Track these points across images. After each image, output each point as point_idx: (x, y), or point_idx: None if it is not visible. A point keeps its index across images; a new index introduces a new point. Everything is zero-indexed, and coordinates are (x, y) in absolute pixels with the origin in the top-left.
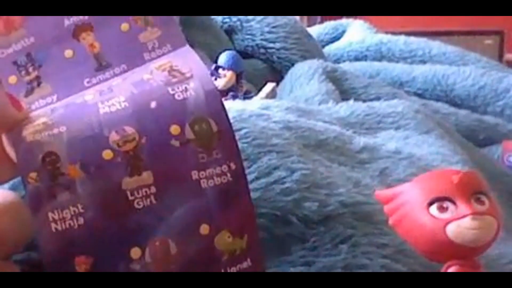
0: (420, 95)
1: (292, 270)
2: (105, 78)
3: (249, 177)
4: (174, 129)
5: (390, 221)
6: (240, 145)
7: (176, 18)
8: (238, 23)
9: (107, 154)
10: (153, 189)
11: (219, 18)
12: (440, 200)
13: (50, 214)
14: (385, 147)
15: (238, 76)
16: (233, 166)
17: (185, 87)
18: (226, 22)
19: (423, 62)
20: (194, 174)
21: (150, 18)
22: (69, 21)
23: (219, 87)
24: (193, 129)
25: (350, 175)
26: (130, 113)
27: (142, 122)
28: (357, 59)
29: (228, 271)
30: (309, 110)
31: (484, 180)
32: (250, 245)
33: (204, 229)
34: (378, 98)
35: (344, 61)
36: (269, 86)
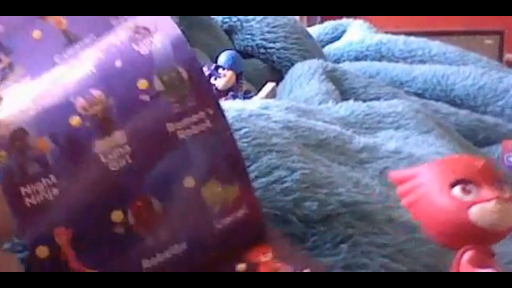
0: (420, 95)
1: None
2: (75, 51)
3: (250, 177)
4: (142, 83)
5: (404, 202)
6: (240, 144)
7: (176, 18)
8: (238, 23)
9: (74, 121)
10: (127, 148)
11: (219, 18)
12: (463, 182)
13: (22, 189)
14: (385, 147)
15: (238, 76)
16: (210, 111)
17: (150, 41)
18: (226, 22)
19: (423, 62)
20: (170, 127)
21: None
22: None
23: (219, 87)
24: (162, 80)
25: (350, 174)
26: (97, 77)
27: (109, 83)
28: (357, 59)
29: (223, 222)
30: (309, 109)
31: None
32: (243, 191)
33: (189, 182)
34: (378, 98)
35: (344, 61)
36: (269, 85)
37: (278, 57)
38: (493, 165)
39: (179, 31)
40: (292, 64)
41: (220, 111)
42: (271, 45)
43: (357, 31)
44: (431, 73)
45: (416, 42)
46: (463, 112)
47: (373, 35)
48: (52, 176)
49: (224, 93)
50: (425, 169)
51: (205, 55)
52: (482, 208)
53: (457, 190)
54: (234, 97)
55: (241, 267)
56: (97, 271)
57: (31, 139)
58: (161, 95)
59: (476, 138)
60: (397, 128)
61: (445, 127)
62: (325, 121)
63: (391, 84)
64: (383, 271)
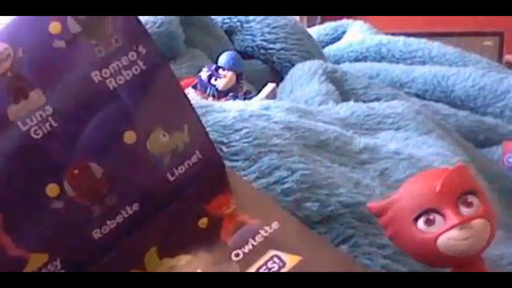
0: (420, 96)
1: None
2: None
3: (250, 177)
4: (54, 27)
5: (387, 234)
6: (240, 145)
7: (177, 19)
8: (238, 23)
9: None
10: (48, 110)
11: (219, 19)
12: (425, 213)
13: None
14: (385, 148)
15: (238, 77)
16: (142, 49)
17: None
18: (226, 23)
19: (423, 63)
20: (96, 76)
21: None
22: None
23: (220, 88)
24: (77, 19)
25: (350, 175)
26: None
27: (14, 32)
28: (357, 60)
29: (176, 172)
30: (310, 110)
31: (472, 172)
32: (194, 136)
33: (129, 136)
34: (378, 99)
35: (344, 61)
36: (269, 86)
37: (278, 58)
38: (458, 174)
39: None
40: (293, 65)
41: (154, 47)
42: (271, 46)
43: (357, 32)
44: (431, 74)
45: (416, 43)
46: (463, 113)
47: (373, 36)
48: None
49: (225, 93)
50: (396, 199)
51: (205, 56)
52: (448, 238)
53: (421, 223)
54: (235, 97)
55: (202, 222)
56: (46, 253)
57: None
58: (78, 38)
59: (477, 139)
60: (397, 129)
61: (445, 128)
62: (325, 122)
63: (391, 85)
64: (384, 272)
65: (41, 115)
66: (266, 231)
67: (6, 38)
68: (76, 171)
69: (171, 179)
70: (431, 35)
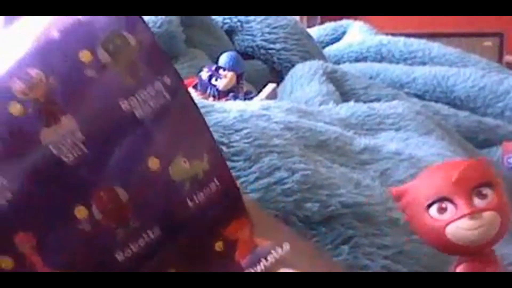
0: (420, 97)
1: None
2: (10, 21)
3: (250, 178)
4: (85, 55)
5: (404, 218)
6: (241, 145)
7: (177, 19)
8: (239, 24)
9: (14, 108)
10: (79, 135)
11: (219, 19)
12: (439, 201)
13: None
14: (386, 148)
15: (239, 77)
16: (167, 80)
17: None
18: (226, 23)
19: (423, 63)
20: (123, 104)
21: None
22: None
23: (220, 88)
24: (107, 50)
25: (351, 176)
26: (32, 52)
27: (47, 59)
28: (357, 60)
29: (195, 198)
30: (310, 111)
31: (491, 167)
32: (213, 164)
33: (153, 163)
34: (378, 99)
35: (344, 62)
36: (270, 86)
37: (279, 58)
38: (476, 167)
39: None
40: (293, 65)
41: (179, 79)
42: (271, 46)
43: (357, 33)
44: (431, 74)
45: (416, 43)
46: (463, 114)
47: (373, 36)
48: (1, 178)
49: (225, 94)
50: (412, 186)
51: (206, 56)
52: (456, 227)
53: (433, 210)
54: (235, 97)
55: (219, 245)
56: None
57: None
58: (108, 67)
59: (477, 140)
60: (397, 129)
61: (445, 128)
62: (325, 122)
63: (391, 85)
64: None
65: (72, 140)
66: (278, 252)
67: (38, 64)
68: (103, 195)
69: (191, 205)
70: (431, 36)
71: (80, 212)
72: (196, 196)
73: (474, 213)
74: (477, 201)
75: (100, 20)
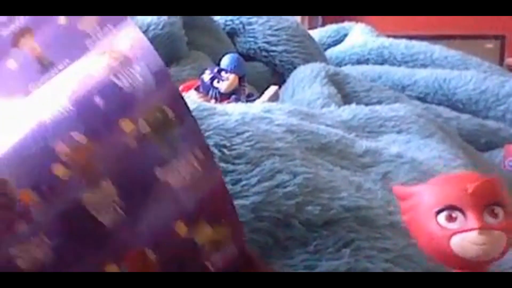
0: (421, 99)
1: None
2: (49, 77)
3: (252, 181)
4: (126, 125)
5: (403, 218)
6: (242, 148)
7: (179, 21)
8: (241, 25)
9: (58, 170)
10: (116, 199)
11: (221, 21)
12: (449, 209)
13: (11, 250)
14: (387, 151)
15: (241, 79)
16: (198, 153)
17: (131, 72)
18: (228, 25)
19: (425, 66)
20: (158, 172)
21: None
22: (7, 31)
23: (222, 90)
24: (147, 120)
25: (352, 179)
26: (75, 116)
27: (90, 125)
28: (359, 62)
29: (214, 262)
30: (312, 113)
31: (504, 188)
32: (233, 231)
33: (180, 227)
34: (380, 102)
35: (346, 64)
36: (272, 89)
37: (280, 60)
38: (492, 185)
39: (160, 61)
40: (295, 67)
41: (208, 151)
42: (273, 48)
43: (359, 35)
44: (433, 77)
45: (418, 46)
46: (464, 117)
47: (375, 38)
48: (42, 235)
49: (227, 96)
50: (422, 189)
51: (208, 58)
52: (463, 239)
53: (442, 217)
54: (237, 100)
55: None
56: None
57: (13, 191)
58: (147, 137)
59: (478, 143)
60: (399, 132)
61: (447, 131)
62: (327, 125)
63: (393, 88)
64: None
65: (110, 203)
66: None
67: (82, 129)
68: (133, 255)
69: (210, 268)
70: (433, 38)
71: (111, 269)
72: (215, 260)
73: (484, 229)
74: (488, 218)
75: (140, 91)
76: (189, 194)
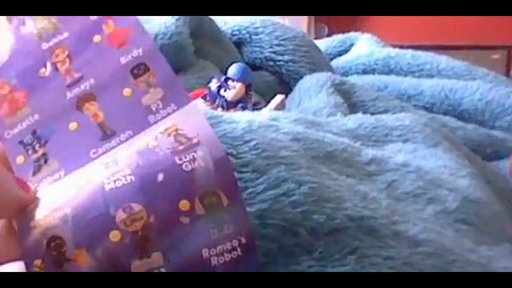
0: (428, 109)
1: None
2: (111, 146)
3: (258, 189)
4: (184, 204)
5: None
6: (249, 156)
7: (187, 30)
8: (247, 35)
9: (114, 236)
10: (162, 271)
11: (228, 31)
12: None
13: None
14: (393, 160)
15: (247, 88)
16: (243, 240)
17: (193, 156)
18: (235, 35)
19: (431, 76)
20: (205, 252)
21: (152, 79)
22: (71, 93)
23: (229, 99)
24: (203, 203)
25: (357, 188)
26: (137, 188)
27: (150, 198)
28: (365, 72)
29: None
30: (318, 121)
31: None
32: None
33: None
34: (386, 111)
35: (352, 74)
36: (278, 97)
37: (287, 70)
38: None
39: (223, 149)
40: (301, 77)
41: (252, 239)
42: (279, 57)
43: (365, 45)
44: (439, 87)
45: (424, 56)
46: (470, 127)
47: (381, 49)
48: None
49: (234, 104)
50: None
51: (214, 67)
52: None
53: None
54: (244, 108)
55: None
56: None
57: (69, 250)
58: (200, 219)
59: (484, 153)
60: (405, 141)
61: (453, 141)
62: (333, 133)
63: (399, 98)
64: None
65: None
66: None
67: (141, 201)
68: None
69: None
70: (439, 48)
71: None
72: None
73: None
74: None
75: (200, 174)
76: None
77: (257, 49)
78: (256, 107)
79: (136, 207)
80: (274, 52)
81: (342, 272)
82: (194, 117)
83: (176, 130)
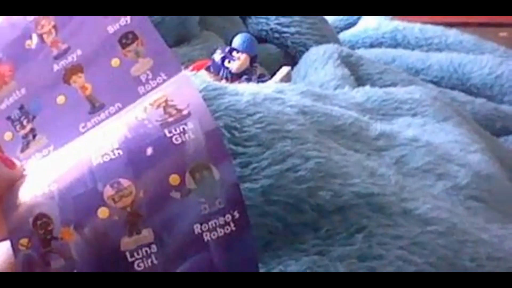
0: (436, 83)
1: (305, 259)
2: (100, 119)
3: (263, 164)
4: (174, 179)
5: None
6: (253, 130)
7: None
8: None
9: (102, 212)
10: (153, 248)
11: None
12: None
13: None
14: (402, 135)
15: (252, 59)
16: (236, 215)
17: (183, 129)
18: None
19: (439, 50)
20: (197, 228)
21: (140, 49)
22: (58, 66)
23: (233, 70)
24: (194, 177)
25: (365, 163)
26: (125, 162)
27: (139, 173)
28: (372, 45)
29: None
30: (325, 94)
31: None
32: None
33: None
34: (394, 85)
35: (359, 47)
36: (284, 69)
37: (293, 42)
38: None
39: (213, 121)
40: (307, 49)
41: (245, 213)
42: (285, 29)
43: (372, 18)
44: (447, 61)
45: (432, 30)
46: (479, 101)
47: (389, 22)
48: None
49: (238, 76)
50: None
51: (219, 38)
52: None
53: None
54: (248, 80)
55: None
56: None
57: (55, 228)
58: (191, 193)
59: (493, 127)
60: (414, 115)
61: (462, 115)
62: (341, 107)
63: (407, 72)
64: (399, 262)
65: (146, 251)
66: None
67: (130, 176)
68: None
69: None
70: (446, 25)
71: None
72: None
73: None
74: None
75: (191, 148)
76: (220, 252)
77: (263, 20)
78: (261, 79)
79: (125, 182)
80: (279, 24)
81: (342, 272)
82: (185, 87)
83: (166, 101)
